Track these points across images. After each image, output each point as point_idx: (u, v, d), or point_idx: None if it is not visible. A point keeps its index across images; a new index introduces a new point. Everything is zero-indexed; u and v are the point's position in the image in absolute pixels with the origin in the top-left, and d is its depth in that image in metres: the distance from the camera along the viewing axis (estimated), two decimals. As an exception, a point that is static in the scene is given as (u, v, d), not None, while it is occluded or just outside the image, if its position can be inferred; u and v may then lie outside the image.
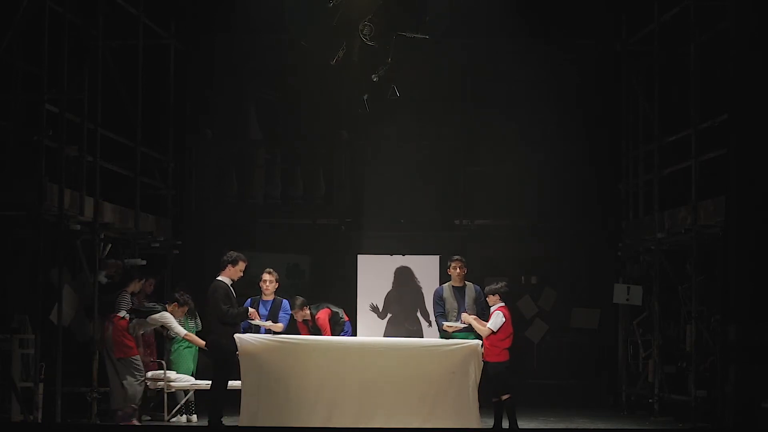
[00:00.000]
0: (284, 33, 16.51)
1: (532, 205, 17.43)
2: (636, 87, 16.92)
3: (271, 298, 13.02)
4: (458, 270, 12.90)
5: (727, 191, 12.24)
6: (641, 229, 16.35)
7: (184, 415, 14.19)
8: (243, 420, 12.33)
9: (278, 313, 12.92)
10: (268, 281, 13.01)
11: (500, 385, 12.47)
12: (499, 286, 12.71)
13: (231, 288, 12.60)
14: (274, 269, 13.25)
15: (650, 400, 15.56)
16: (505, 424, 12.47)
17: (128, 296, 13.82)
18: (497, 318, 12.48)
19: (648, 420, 15.17)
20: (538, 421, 14.36)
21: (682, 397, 14.70)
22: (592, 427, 13.96)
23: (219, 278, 12.58)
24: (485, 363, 12.47)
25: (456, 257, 13.05)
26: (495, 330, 12.41)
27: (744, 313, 11.73)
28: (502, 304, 12.62)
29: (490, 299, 12.65)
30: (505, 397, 12.48)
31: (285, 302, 13.01)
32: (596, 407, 16.25)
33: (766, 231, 11.87)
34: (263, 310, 12.96)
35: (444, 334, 12.79)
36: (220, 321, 12.40)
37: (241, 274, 12.72)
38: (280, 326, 12.81)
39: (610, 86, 17.36)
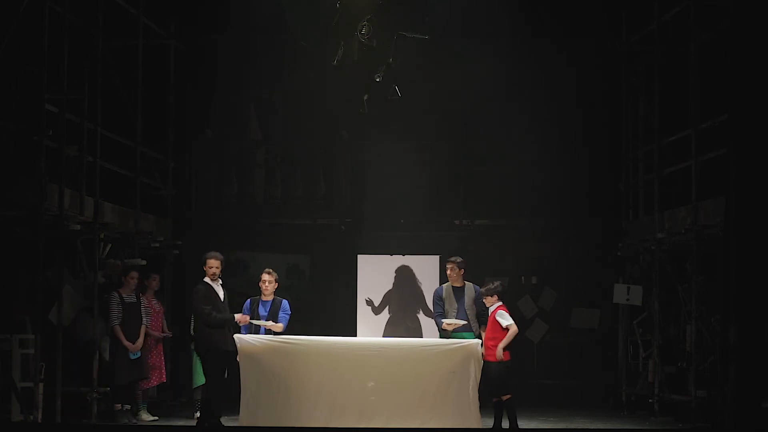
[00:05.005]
0: (284, 33, 16.55)
1: (532, 205, 17.43)
2: (636, 87, 16.92)
3: (270, 298, 13.00)
4: (449, 272, 12.98)
5: (726, 191, 12.23)
6: (641, 229, 16.35)
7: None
8: (243, 420, 12.33)
9: (278, 314, 12.90)
10: (267, 281, 13.00)
11: (501, 385, 12.46)
12: (494, 286, 12.71)
13: (212, 287, 12.62)
14: (274, 269, 13.24)
15: (650, 400, 15.56)
16: (506, 424, 12.46)
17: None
18: (504, 317, 12.50)
19: (648, 420, 15.16)
20: (538, 421, 14.36)
21: (682, 397, 14.70)
22: (592, 427, 13.96)
23: (204, 280, 12.65)
24: (487, 363, 12.47)
25: (450, 259, 13.05)
26: (512, 323, 12.46)
27: (744, 314, 11.73)
28: (500, 303, 12.63)
29: (488, 300, 12.65)
30: (505, 397, 12.48)
31: (285, 302, 12.99)
32: (596, 407, 16.24)
33: (766, 231, 11.87)
34: (263, 311, 12.95)
35: (443, 334, 12.80)
36: (204, 323, 12.44)
37: (215, 270, 12.68)
38: (280, 326, 12.79)
39: (610, 86, 17.36)
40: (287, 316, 12.92)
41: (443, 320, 12.75)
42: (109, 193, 14.58)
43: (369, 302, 16.96)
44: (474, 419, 12.20)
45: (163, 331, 14.63)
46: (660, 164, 15.78)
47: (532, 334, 17.52)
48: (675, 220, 15.07)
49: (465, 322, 12.73)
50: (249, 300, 13.08)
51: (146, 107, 15.66)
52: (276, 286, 13.03)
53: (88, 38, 14.14)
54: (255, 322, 12.76)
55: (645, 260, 16.37)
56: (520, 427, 12.58)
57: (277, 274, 13.14)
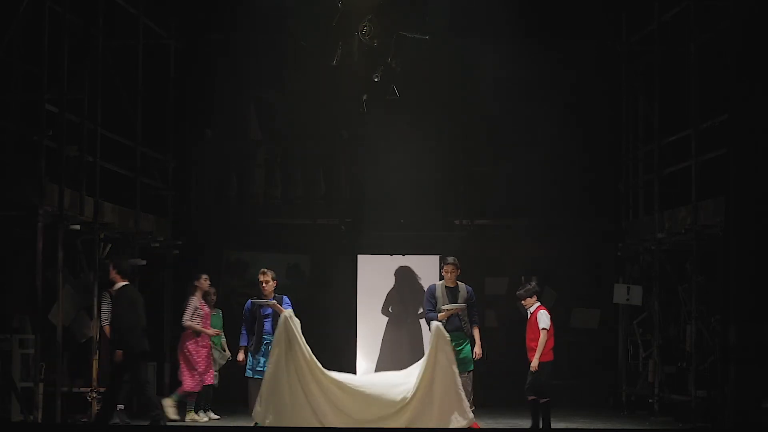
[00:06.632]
0: (284, 33, 16.54)
1: (532, 204, 17.42)
2: (636, 87, 16.92)
3: (271, 296, 12.97)
4: (449, 274, 12.93)
5: (726, 191, 12.23)
6: (641, 229, 16.35)
7: (200, 412, 14.40)
8: (257, 411, 12.10)
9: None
10: (263, 282, 12.97)
11: (542, 387, 12.50)
12: (532, 286, 12.81)
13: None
14: (275, 268, 13.21)
15: (650, 400, 15.57)
16: (555, 426, 12.46)
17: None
18: (544, 316, 12.57)
19: (648, 420, 15.17)
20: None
21: (682, 397, 14.71)
22: (592, 427, 13.96)
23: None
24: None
25: (449, 261, 13.00)
26: (548, 327, 12.49)
27: (744, 314, 11.73)
28: (539, 303, 12.69)
29: (527, 302, 12.70)
30: (543, 400, 12.51)
31: (285, 298, 12.95)
32: (596, 407, 16.23)
33: (766, 231, 11.87)
34: (264, 310, 12.93)
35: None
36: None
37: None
38: (289, 311, 12.72)
39: (610, 86, 17.36)
40: (290, 308, 12.85)
41: (443, 306, 12.67)
42: (109, 193, 14.58)
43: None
44: (464, 410, 12.00)
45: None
46: (660, 164, 15.78)
47: (532, 334, 17.53)
48: (675, 220, 15.07)
49: (464, 306, 12.70)
50: (249, 301, 13.06)
51: (146, 107, 15.66)
52: (275, 284, 13.01)
53: (88, 38, 14.14)
54: (261, 302, 12.71)
55: (645, 260, 16.38)
56: (519, 427, 12.58)
57: (273, 272, 13.09)
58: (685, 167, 14.83)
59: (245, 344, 12.97)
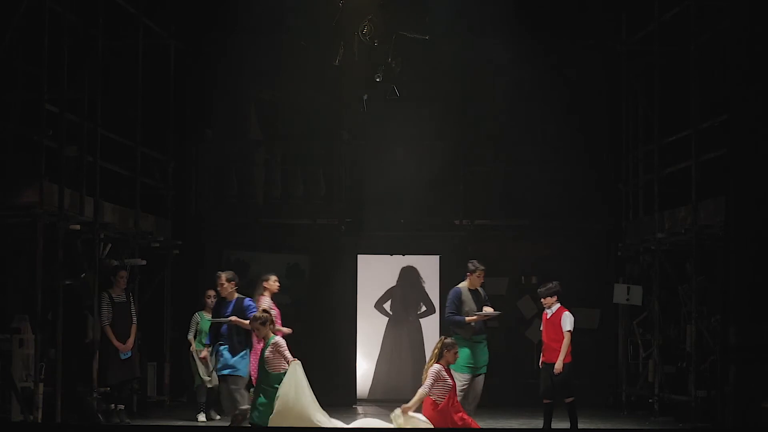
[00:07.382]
0: (284, 33, 16.54)
1: (531, 204, 17.40)
2: (636, 87, 16.92)
3: (233, 297, 12.95)
4: (481, 279, 12.96)
5: (726, 191, 12.24)
6: (641, 229, 16.35)
7: (202, 413, 14.39)
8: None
9: (244, 312, 12.79)
10: (219, 285, 13.05)
11: (566, 387, 12.53)
12: (554, 285, 12.83)
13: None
14: (228, 269, 13.42)
15: (650, 400, 15.57)
16: (556, 426, 12.44)
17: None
18: (568, 318, 12.63)
19: (648, 420, 15.17)
20: (539, 420, 14.34)
21: (682, 397, 14.71)
22: (592, 427, 13.96)
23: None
24: (549, 364, 12.60)
25: (481, 267, 13.00)
26: (572, 329, 12.55)
27: (744, 314, 11.73)
28: (559, 305, 12.70)
29: (547, 300, 12.72)
30: (569, 399, 12.55)
31: (247, 300, 12.93)
32: (596, 407, 16.23)
33: (766, 231, 11.87)
34: (224, 311, 12.97)
35: (463, 331, 12.66)
36: None
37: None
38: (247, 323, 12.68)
39: (610, 86, 17.36)
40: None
41: (478, 312, 12.66)
42: (109, 193, 14.58)
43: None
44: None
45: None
46: (660, 164, 15.78)
47: (532, 334, 17.51)
48: (675, 220, 15.07)
49: (499, 312, 12.86)
50: (216, 302, 13.23)
51: (146, 107, 15.66)
52: (233, 286, 12.99)
53: (88, 38, 14.14)
54: (219, 320, 12.76)
55: (645, 260, 16.38)
56: (517, 427, 12.57)
57: (231, 273, 13.11)
58: (685, 167, 14.83)
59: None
